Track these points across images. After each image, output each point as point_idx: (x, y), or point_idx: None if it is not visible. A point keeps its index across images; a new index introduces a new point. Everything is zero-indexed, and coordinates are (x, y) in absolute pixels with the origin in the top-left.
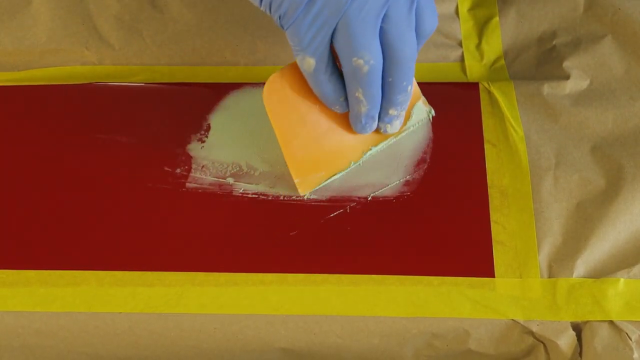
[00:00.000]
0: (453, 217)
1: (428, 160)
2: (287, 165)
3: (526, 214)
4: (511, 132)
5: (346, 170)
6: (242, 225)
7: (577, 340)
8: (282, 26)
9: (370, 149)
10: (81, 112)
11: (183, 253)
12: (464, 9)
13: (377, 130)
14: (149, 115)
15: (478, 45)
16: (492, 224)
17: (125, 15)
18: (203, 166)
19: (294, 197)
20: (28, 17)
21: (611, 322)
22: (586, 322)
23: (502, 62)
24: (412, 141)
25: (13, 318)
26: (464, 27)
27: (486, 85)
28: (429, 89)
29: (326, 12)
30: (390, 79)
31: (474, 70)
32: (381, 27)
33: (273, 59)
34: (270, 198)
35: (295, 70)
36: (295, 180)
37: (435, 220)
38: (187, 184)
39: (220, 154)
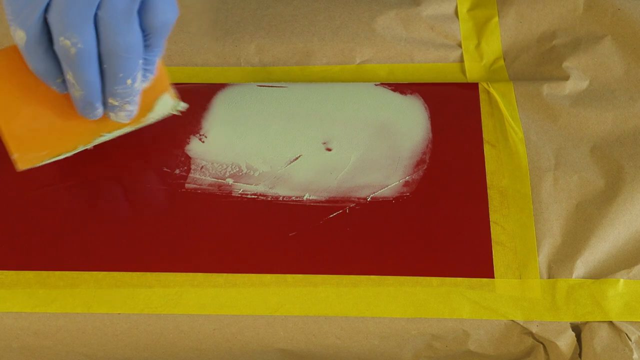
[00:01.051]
0: (452, 218)
1: (427, 161)
2: (5, 141)
3: (526, 214)
4: (511, 132)
5: (73, 152)
6: (241, 226)
7: (577, 340)
8: None
9: (102, 135)
10: None
11: (182, 254)
12: (463, 10)
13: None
14: None
15: (477, 46)
16: (492, 225)
17: None
18: (202, 167)
19: (293, 197)
20: None
21: (611, 323)
22: (586, 323)
23: (502, 62)
24: (411, 142)
25: (12, 319)
26: (464, 28)
27: (485, 85)
28: (428, 89)
29: None
30: (105, 66)
31: (474, 70)
32: (97, 14)
33: (273, 60)
34: (269, 199)
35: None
36: (14, 155)
37: (434, 221)
38: (186, 185)
39: (219, 155)
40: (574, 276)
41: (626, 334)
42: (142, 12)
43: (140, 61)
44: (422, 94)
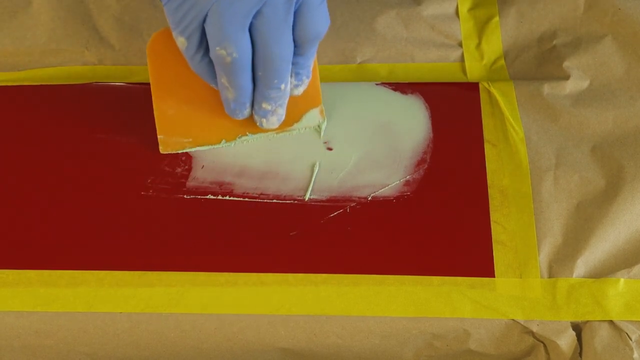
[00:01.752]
0: (453, 217)
1: (428, 161)
2: (155, 119)
3: (526, 214)
4: (511, 132)
5: (216, 146)
6: (242, 225)
7: (577, 340)
8: (161, 1)
9: (247, 135)
10: (81, 112)
11: (183, 253)
12: (464, 9)
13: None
14: (148, 115)
15: (478, 46)
16: (492, 224)
17: (125, 15)
18: (203, 166)
19: (294, 197)
20: (28, 17)
21: (611, 322)
22: (586, 322)
23: (502, 62)
24: (412, 141)
25: (13, 318)
26: (464, 27)
27: (486, 85)
28: (429, 89)
29: None
30: (260, 74)
31: (474, 70)
32: (252, 23)
33: None
34: (270, 198)
35: None
36: (159, 137)
37: (435, 220)
38: (188, 184)
39: (220, 154)
40: (574, 275)
41: (627, 334)
42: (295, 21)
43: (291, 67)
44: (423, 93)
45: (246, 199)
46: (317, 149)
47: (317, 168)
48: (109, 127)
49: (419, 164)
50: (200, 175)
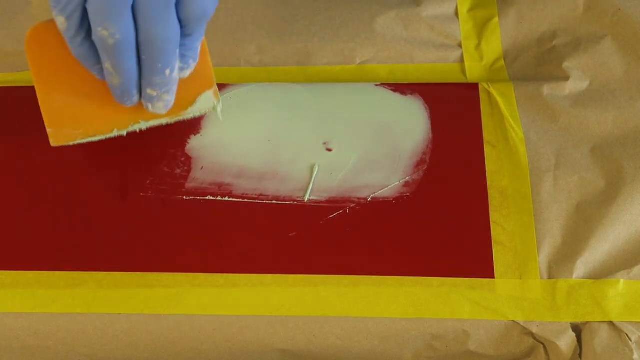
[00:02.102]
0: (453, 218)
1: (428, 161)
2: (41, 113)
3: (526, 214)
4: (511, 133)
5: (108, 136)
6: (241, 226)
7: (577, 341)
8: None
9: (139, 122)
10: None
11: (182, 254)
12: (463, 10)
13: None
14: None
15: (478, 46)
16: (492, 225)
17: None
18: (202, 167)
19: (294, 197)
20: (28, 17)
21: (611, 323)
22: (586, 323)
23: (502, 62)
24: (411, 142)
25: (12, 319)
26: (464, 28)
27: (486, 86)
28: (428, 90)
29: None
30: (144, 57)
31: (474, 71)
32: (135, 3)
33: (273, 60)
34: (270, 199)
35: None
36: (48, 130)
37: (435, 221)
38: (187, 185)
39: (219, 155)
40: (574, 276)
41: (626, 334)
42: (180, 1)
43: (177, 50)
44: (423, 94)
45: (245, 200)
46: (317, 149)
47: (316, 169)
48: None
49: (419, 164)
50: (199, 177)
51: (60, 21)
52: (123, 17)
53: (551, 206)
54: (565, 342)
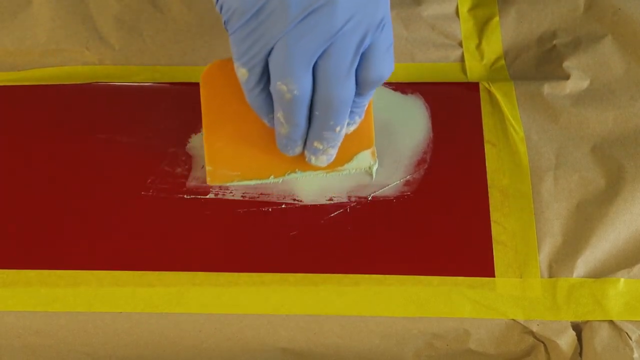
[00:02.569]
0: (453, 217)
1: (428, 160)
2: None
3: (526, 214)
4: (511, 132)
5: (263, 182)
6: (242, 225)
7: (578, 340)
8: (227, 30)
9: (296, 172)
10: (81, 112)
11: (183, 253)
12: (464, 9)
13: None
14: (148, 115)
15: (478, 46)
16: (492, 224)
17: (125, 15)
18: (203, 166)
19: (294, 196)
20: (28, 17)
21: (611, 322)
22: (586, 322)
23: (502, 62)
24: (412, 141)
25: (13, 318)
26: (464, 27)
27: (486, 85)
28: (429, 89)
29: (266, 29)
30: (317, 113)
31: (474, 70)
32: (317, 62)
33: None
34: (270, 198)
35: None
36: (207, 168)
37: (435, 220)
38: (188, 184)
39: None
40: (574, 275)
41: (627, 333)
42: (360, 64)
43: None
44: (423, 93)
45: (246, 199)
46: None
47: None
48: (109, 127)
49: (419, 163)
50: (200, 175)
51: (242, 72)
52: (304, 75)
53: (551, 205)
54: (566, 341)
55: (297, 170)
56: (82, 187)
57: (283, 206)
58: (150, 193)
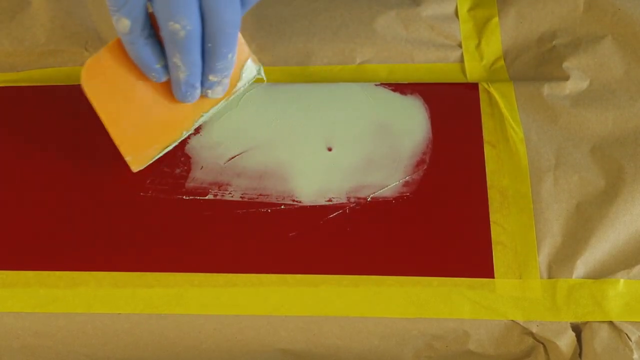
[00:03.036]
0: (453, 218)
1: (427, 161)
2: (116, 146)
3: (526, 214)
4: (511, 132)
5: (179, 140)
6: (241, 226)
7: (577, 341)
8: None
9: (202, 116)
10: (81, 112)
11: (182, 254)
12: (463, 10)
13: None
14: None
15: (478, 46)
16: (492, 225)
17: None
18: (202, 167)
19: (293, 197)
20: (27, 17)
21: (611, 323)
22: (586, 323)
23: (502, 62)
24: (411, 142)
25: (12, 319)
26: (464, 28)
27: (486, 85)
28: (428, 90)
29: None
30: (209, 45)
31: (474, 70)
32: None
33: (274, 60)
34: (269, 198)
35: (113, 51)
36: (127, 158)
37: (434, 221)
38: (187, 185)
39: (219, 155)
40: (574, 276)
41: (626, 334)
42: None
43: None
44: (423, 94)
45: (245, 200)
46: (317, 149)
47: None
48: None
49: (419, 164)
50: (199, 176)
51: (124, 23)
52: (193, 8)
53: (551, 206)
54: (565, 342)
55: (201, 114)
56: (82, 187)
57: (282, 207)
58: (149, 194)
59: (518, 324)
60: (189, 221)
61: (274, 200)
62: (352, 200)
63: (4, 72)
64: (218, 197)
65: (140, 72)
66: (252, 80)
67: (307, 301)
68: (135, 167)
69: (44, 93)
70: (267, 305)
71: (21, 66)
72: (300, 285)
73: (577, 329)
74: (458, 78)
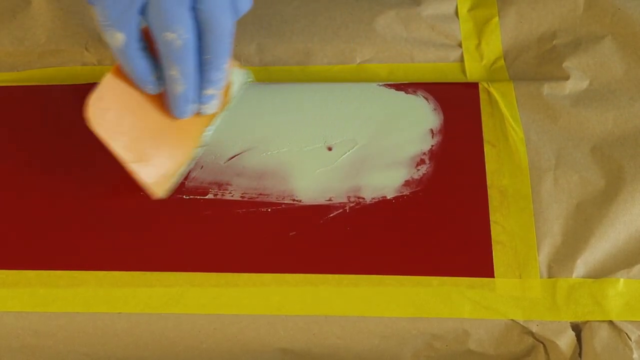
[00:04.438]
0: (452, 218)
1: (427, 161)
2: (136, 179)
3: (526, 214)
4: (511, 132)
5: (194, 158)
6: (241, 225)
7: (577, 340)
8: (92, 3)
9: (207, 131)
10: (81, 112)
11: (183, 253)
12: (463, 10)
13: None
14: None
15: (478, 46)
16: (492, 224)
17: None
18: (202, 166)
19: (294, 197)
20: (28, 17)
21: (611, 322)
22: (586, 322)
23: (502, 62)
24: (411, 141)
25: (13, 318)
26: (464, 28)
27: (486, 85)
28: (429, 89)
29: None
30: (207, 57)
31: (474, 70)
32: (196, 5)
33: (274, 60)
34: (270, 198)
35: (110, 87)
36: (152, 186)
37: (434, 221)
38: (187, 184)
39: (219, 154)
40: (574, 276)
41: (626, 334)
42: None
43: None
44: (422, 93)
45: (245, 199)
46: (317, 148)
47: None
48: None
49: (418, 164)
50: (199, 176)
51: (118, 37)
52: (188, 17)
53: (551, 206)
54: (565, 341)
55: (204, 129)
56: (82, 187)
57: (282, 206)
58: (149, 193)
59: (518, 323)
60: (189, 221)
61: (274, 200)
62: (352, 199)
63: (4, 71)
64: (218, 197)
65: (142, 99)
66: (243, 85)
67: (307, 301)
68: (164, 194)
69: (44, 93)
70: (267, 305)
71: (21, 66)
72: (300, 284)
73: (577, 329)
74: (458, 78)
